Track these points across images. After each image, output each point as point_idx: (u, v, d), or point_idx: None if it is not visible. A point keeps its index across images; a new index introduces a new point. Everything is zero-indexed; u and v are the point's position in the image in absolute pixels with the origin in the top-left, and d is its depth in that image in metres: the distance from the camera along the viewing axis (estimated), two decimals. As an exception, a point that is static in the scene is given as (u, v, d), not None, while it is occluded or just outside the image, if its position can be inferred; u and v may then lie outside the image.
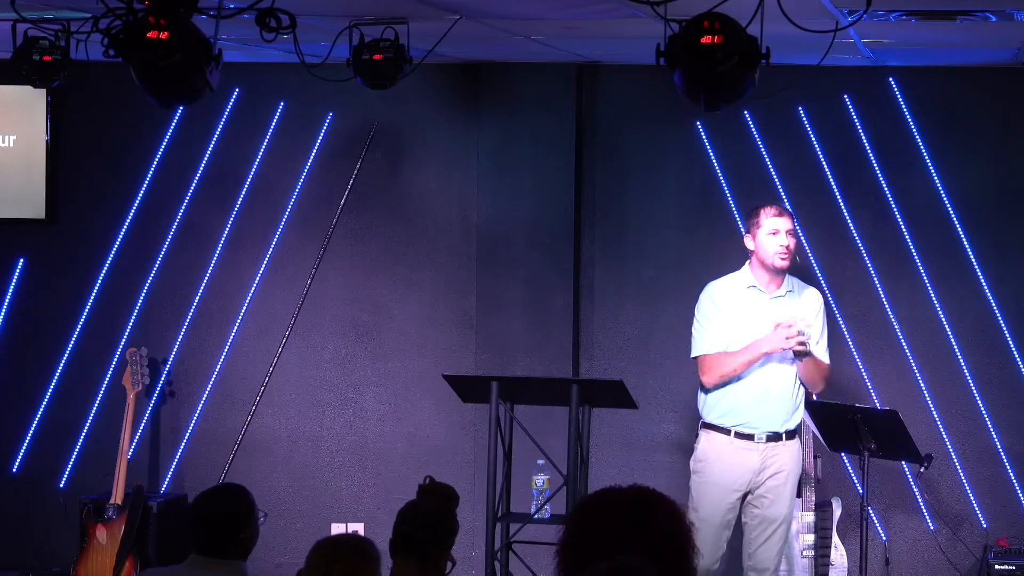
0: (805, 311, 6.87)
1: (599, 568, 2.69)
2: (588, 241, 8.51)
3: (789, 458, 6.88)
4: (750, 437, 6.82)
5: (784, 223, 6.85)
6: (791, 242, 6.84)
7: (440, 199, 8.59)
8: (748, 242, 6.91)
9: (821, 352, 6.88)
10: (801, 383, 6.90)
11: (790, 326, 6.67)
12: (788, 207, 8.24)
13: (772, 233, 6.82)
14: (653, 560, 2.81)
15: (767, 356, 6.77)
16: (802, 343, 6.67)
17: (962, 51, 7.69)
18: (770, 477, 6.84)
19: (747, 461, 6.82)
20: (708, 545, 6.67)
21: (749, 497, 6.86)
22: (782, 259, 6.82)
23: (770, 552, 6.87)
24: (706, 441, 6.90)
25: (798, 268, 8.26)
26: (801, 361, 6.75)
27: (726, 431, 6.83)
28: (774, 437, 6.84)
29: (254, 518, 4.82)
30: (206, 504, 4.82)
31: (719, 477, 6.83)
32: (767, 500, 6.84)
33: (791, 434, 6.90)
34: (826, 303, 8.27)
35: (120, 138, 8.66)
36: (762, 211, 6.87)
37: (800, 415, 6.97)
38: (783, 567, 7.79)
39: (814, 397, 7.20)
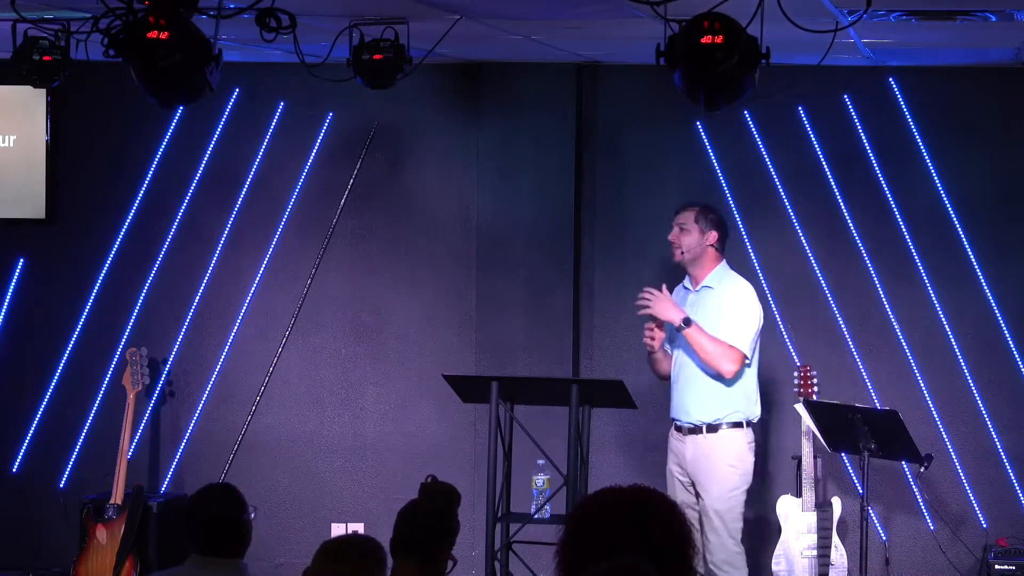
0: (718, 304, 6.98)
1: (599, 568, 2.69)
2: (588, 241, 8.51)
3: (710, 450, 6.94)
4: (679, 428, 7.05)
5: (676, 218, 7.09)
6: (677, 237, 7.03)
7: (440, 199, 8.59)
8: None
9: (727, 335, 6.90)
10: (735, 384, 6.95)
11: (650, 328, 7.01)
12: (786, 204, 8.25)
13: (671, 228, 7.09)
14: (653, 560, 2.81)
15: (688, 348, 6.95)
16: (644, 302, 6.95)
17: (962, 51, 7.69)
18: (696, 468, 6.97)
19: (680, 451, 7.05)
20: None
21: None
22: (673, 253, 7.07)
23: (708, 542, 6.93)
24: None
25: (794, 270, 8.26)
26: (683, 332, 6.89)
27: (673, 421, 7.12)
28: (695, 430, 6.97)
29: (248, 514, 4.85)
30: (203, 505, 4.83)
31: (670, 466, 7.11)
32: (699, 490, 6.97)
33: (713, 428, 6.95)
34: (826, 303, 8.29)
35: (120, 138, 8.66)
36: None
37: (728, 409, 6.97)
38: (783, 567, 7.79)
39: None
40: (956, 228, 8.20)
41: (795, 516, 7.77)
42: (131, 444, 8.34)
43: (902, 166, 8.25)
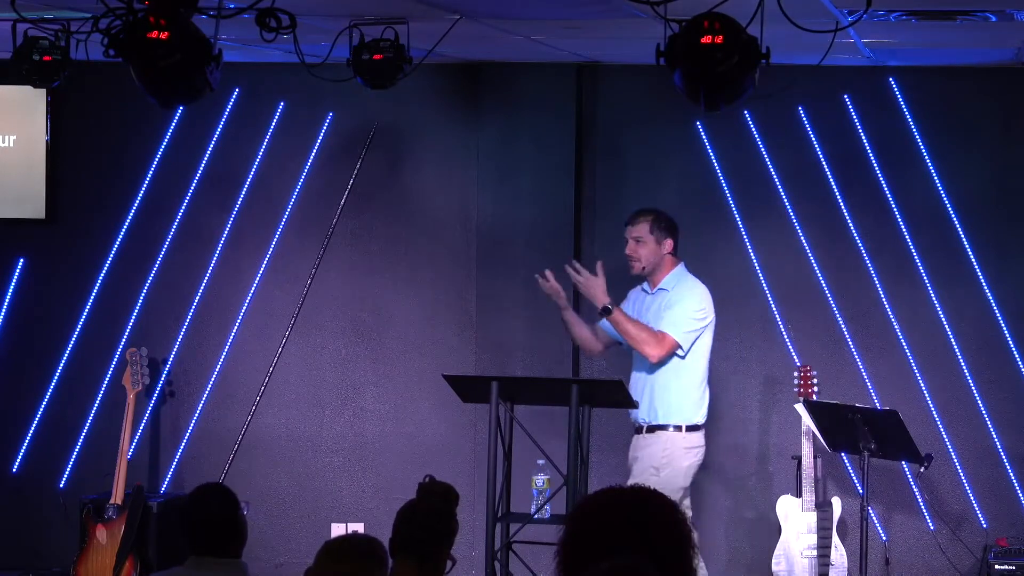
0: (666, 302, 7.05)
1: (599, 568, 2.69)
2: (588, 241, 8.51)
3: (644, 450, 6.98)
4: (633, 427, 7.11)
5: (628, 231, 7.15)
6: (635, 250, 7.09)
7: (440, 199, 8.59)
8: None
9: (661, 324, 6.97)
10: (677, 385, 6.98)
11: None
12: (786, 204, 8.26)
13: (626, 241, 7.13)
14: (653, 560, 2.81)
15: (636, 354, 7.04)
16: (576, 279, 7.04)
17: (962, 51, 7.69)
18: (632, 467, 7.03)
19: (632, 447, 7.12)
20: None
21: None
22: (631, 265, 7.14)
23: None
24: None
25: (794, 270, 8.26)
26: (607, 318, 6.99)
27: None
28: (638, 429, 7.05)
29: (242, 511, 4.87)
30: (201, 506, 4.84)
31: (630, 463, 7.14)
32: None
33: (652, 428, 6.98)
34: (826, 303, 8.29)
35: (120, 138, 8.66)
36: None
37: (672, 410, 6.99)
38: (783, 567, 7.79)
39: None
40: (956, 228, 8.20)
41: (795, 516, 7.77)
42: (131, 444, 8.34)
43: (902, 166, 8.25)
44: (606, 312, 6.98)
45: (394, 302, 8.62)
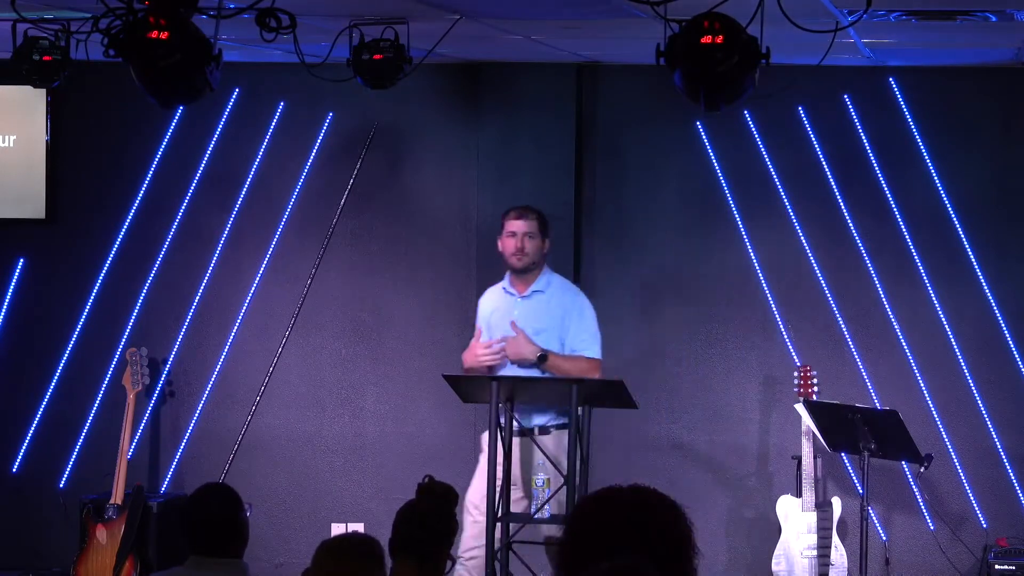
0: (551, 311, 7.02)
1: (599, 568, 2.69)
2: (588, 241, 8.51)
3: (539, 453, 6.92)
4: (519, 433, 7.01)
5: (520, 225, 7.06)
6: (527, 244, 7.03)
7: (440, 199, 8.59)
8: (498, 245, 7.15)
9: (582, 348, 6.99)
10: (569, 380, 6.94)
11: (488, 345, 6.99)
12: (786, 204, 8.27)
13: (510, 235, 7.07)
14: (653, 560, 2.81)
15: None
16: (500, 355, 6.95)
17: (962, 51, 7.69)
18: (522, 471, 6.95)
19: (521, 455, 6.99)
20: (476, 533, 6.89)
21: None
22: (517, 260, 7.05)
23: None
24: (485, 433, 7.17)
25: (794, 270, 8.27)
26: (542, 366, 6.92)
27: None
28: (524, 432, 6.97)
29: (245, 511, 4.87)
30: (202, 505, 4.84)
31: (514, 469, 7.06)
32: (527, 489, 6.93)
33: (544, 430, 6.96)
34: (826, 303, 8.28)
35: (120, 138, 8.66)
36: (506, 214, 7.12)
37: (559, 411, 6.96)
38: (783, 567, 7.79)
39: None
40: (956, 228, 8.20)
41: (795, 516, 7.77)
42: (131, 444, 8.34)
43: (902, 166, 8.25)
44: (543, 360, 6.94)
45: (394, 302, 8.62)
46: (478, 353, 7.05)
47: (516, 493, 6.99)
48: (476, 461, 8.24)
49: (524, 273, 7.09)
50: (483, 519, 6.84)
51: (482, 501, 6.88)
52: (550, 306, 7.07)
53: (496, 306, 7.18)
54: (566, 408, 6.77)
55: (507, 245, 7.07)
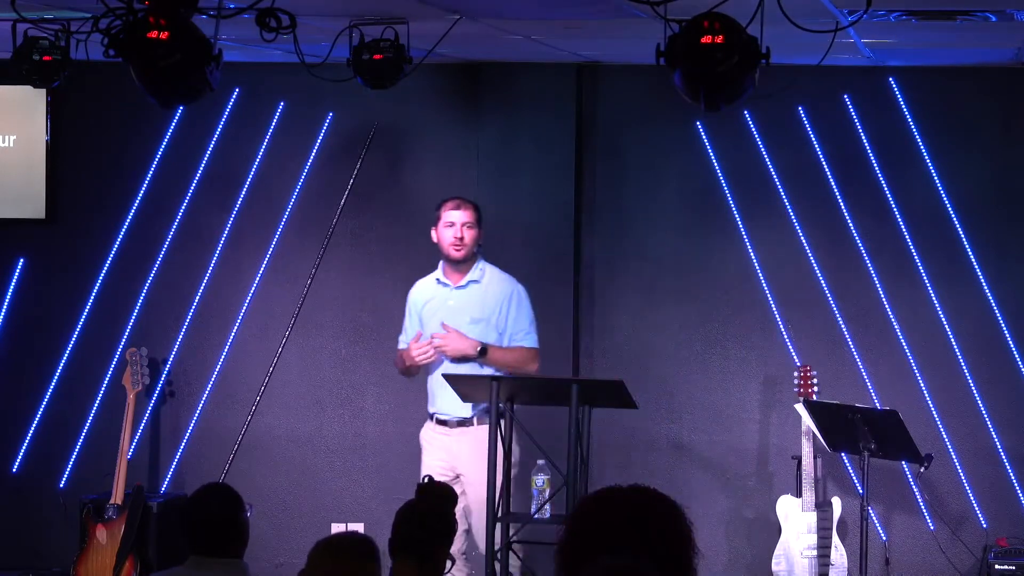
0: (487, 301, 7.04)
1: (596, 567, 2.69)
2: (588, 241, 8.51)
3: (482, 443, 6.90)
4: (444, 423, 7.06)
5: (459, 215, 7.08)
6: (466, 234, 7.05)
7: (440, 199, 8.57)
8: (433, 236, 7.15)
9: (521, 338, 7.00)
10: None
11: (427, 343, 6.99)
12: (786, 204, 8.27)
13: (448, 225, 7.08)
14: (653, 560, 2.81)
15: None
16: (440, 350, 6.96)
17: (962, 51, 7.69)
18: (468, 461, 6.98)
19: (445, 445, 7.06)
20: None
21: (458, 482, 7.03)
22: (456, 250, 7.06)
23: (477, 530, 6.89)
24: (424, 428, 7.25)
25: (794, 270, 8.26)
26: (481, 360, 6.95)
27: (430, 416, 7.16)
28: (464, 422, 7.02)
29: (245, 512, 4.87)
30: (202, 505, 4.84)
31: (428, 460, 7.13)
32: (466, 484, 6.97)
33: (483, 418, 6.97)
34: (826, 303, 8.28)
35: (120, 138, 8.66)
36: (442, 205, 7.13)
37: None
38: (783, 567, 7.79)
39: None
40: (956, 228, 8.20)
41: (795, 516, 7.77)
42: (131, 444, 8.34)
43: (902, 166, 8.25)
44: (483, 353, 6.96)
45: (394, 302, 8.59)
46: (413, 354, 7.05)
47: (457, 488, 6.98)
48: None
49: (461, 264, 7.10)
50: None
51: None
52: (486, 296, 7.09)
53: (429, 297, 7.18)
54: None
55: (444, 236, 7.08)
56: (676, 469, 8.44)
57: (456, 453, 7.06)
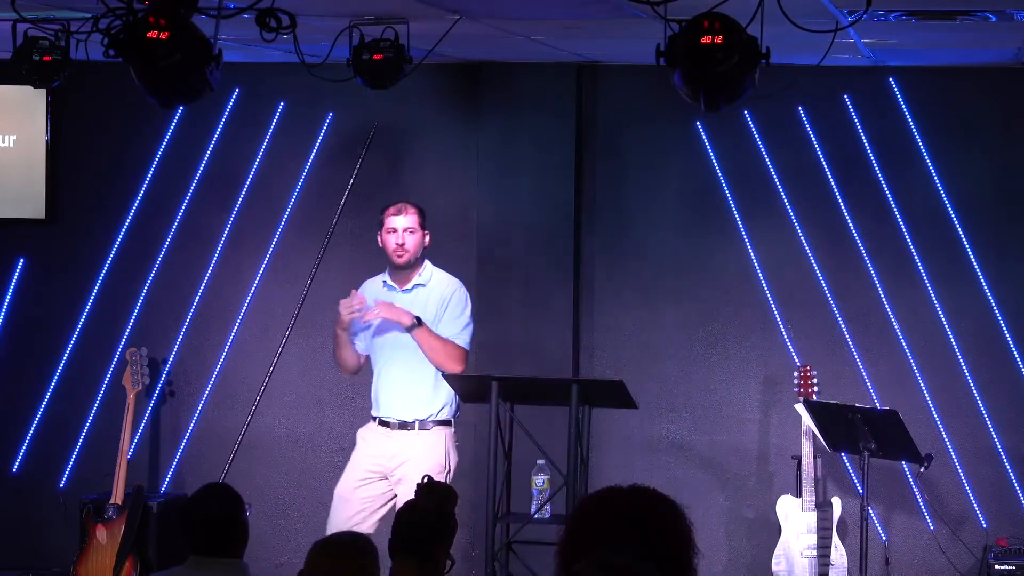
0: (430, 304, 7.02)
1: (590, 562, 2.69)
2: (588, 241, 8.51)
3: (422, 448, 6.95)
4: (387, 424, 7.03)
5: (401, 221, 7.04)
6: (408, 239, 7.00)
7: (440, 199, 8.58)
8: (378, 240, 7.13)
9: (447, 333, 6.96)
10: (440, 382, 6.96)
11: (357, 299, 6.99)
12: (786, 204, 8.26)
13: (390, 231, 7.05)
14: (653, 560, 2.81)
15: (396, 347, 6.99)
16: (360, 310, 6.95)
17: (962, 51, 7.69)
18: (400, 465, 6.95)
19: (383, 447, 7.02)
20: (340, 522, 6.96)
21: (389, 483, 7.03)
22: (398, 256, 7.04)
23: None
24: (364, 427, 7.24)
25: (794, 270, 8.26)
26: (413, 333, 6.89)
27: (373, 418, 7.14)
28: (404, 426, 6.99)
29: (245, 512, 4.87)
30: (203, 505, 4.84)
31: (358, 456, 7.10)
32: (400, 488, 6.93)
33: (424, 425, 6.97)
34: (826, 303, 8.29)
35: (120, 138, 8.66)
36: (385, 210, 7.10)
37: (438, 406, 6.99)
38: (783, 567, 7.79)
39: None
40: (956, 228, 8.20)
41: (795, 516, 7.77)
42: (131, 444, 8.34)
43: (902, 166, 8.25)
44: (419, 323, 6.91)
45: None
46: (340, 310, 7.02)
47: (383, 487, 7.01)
48: (475, 461, 8.26)
49: (404, 269, 7.06)
50: (347, 511, 6.94)
51: (351, 492, 6.98)
52: (430, 299, 7.06)
53: (376, 299, 7.15)
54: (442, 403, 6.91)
55: (387, 241, 7.05)
56: (676, 469, 8.44)
57: (393, 454, 7.00)
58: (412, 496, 6.78)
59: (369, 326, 7.07)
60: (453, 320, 7.02)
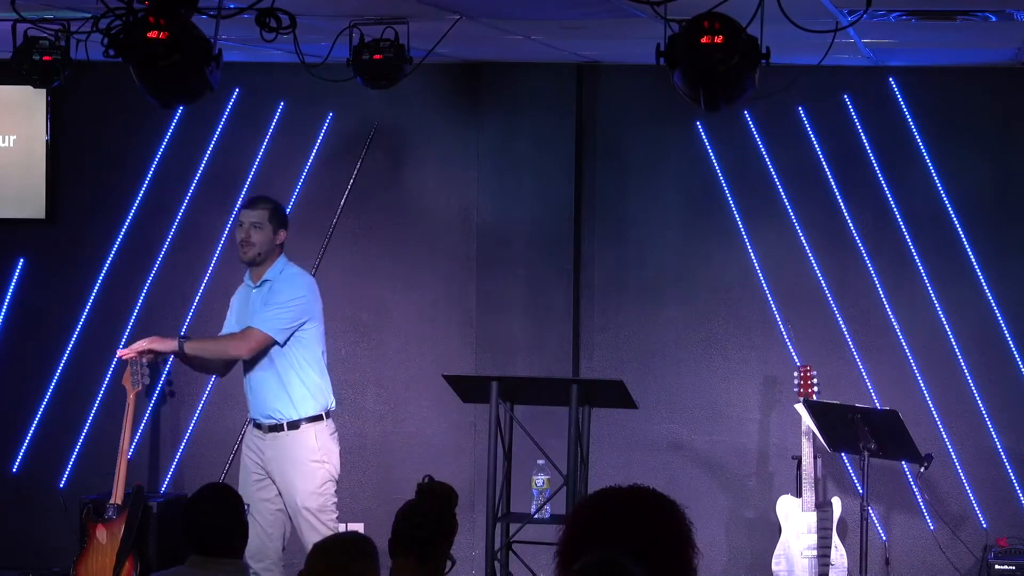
0: (267, 295, 6.99)
1: (585, 562, 2.69)
2: (588, 241, 8.52)
3: (293, 447, 6.92)
4: (259, 426, 7.00)
5: (246, 215, 7.00)
6: (253, 234, 6.93)
7: (440, 199, 8.59)
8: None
9: (254, 319, 6.92)
10: (298, 378, 6.94)
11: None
12: (786, 204, 8.26)
13: (238, 225, 7.03)
14: (653, 560, 2.81)
15: (246, 364, 7.01)
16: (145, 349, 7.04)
17: (962, 51, 7.69)
18: (280, 466, 6.94)
19: (260, 448, 6.99)
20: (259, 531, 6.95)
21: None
22: (242, 252, 6.99)
23: (307, 542, 6.75)
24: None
25: (794, 270, 8.26)
26: (187, 349, 6.98)
27: (249, 421, 7.14)
28: (276, 427, 6.95)
29: (245, 512, 4.88)
30: (203, 506, 4.85)
31: (244, 460, 7.07)
32: (282, 488, 6.94)
33: (293, 424, 6.93)
34: (826, 303, 8.30)
35: (120, 138, 8.66)
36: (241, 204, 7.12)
37: (302, 405, 6.95)
38: (783, 567, 7.79)
39: None
40: (956, 228, 8.20)
41: (795, 516, 7.77)
42: (131, 444, 8.34)
43: (902, 166, 8.25)
44: (184, 340, 7.00)
45: (394, 302, 8.62)
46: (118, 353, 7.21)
47: (271, 491, 6.99)
48: (476, 461, 8.27)
49: (253, 265, 7.02)
50: (261, 522, 6.92)
51: (254, 499, 6.93)
52: (270, 294, 7.00)
53: (238, 296, 7.18)
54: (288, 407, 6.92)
55: (236, 236, 7.03)
56: (676, 469, 8.44)
57: (269, 457, 6.98)
58: (292, 498, 6.82)
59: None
60: (264, 304, 6.95)
